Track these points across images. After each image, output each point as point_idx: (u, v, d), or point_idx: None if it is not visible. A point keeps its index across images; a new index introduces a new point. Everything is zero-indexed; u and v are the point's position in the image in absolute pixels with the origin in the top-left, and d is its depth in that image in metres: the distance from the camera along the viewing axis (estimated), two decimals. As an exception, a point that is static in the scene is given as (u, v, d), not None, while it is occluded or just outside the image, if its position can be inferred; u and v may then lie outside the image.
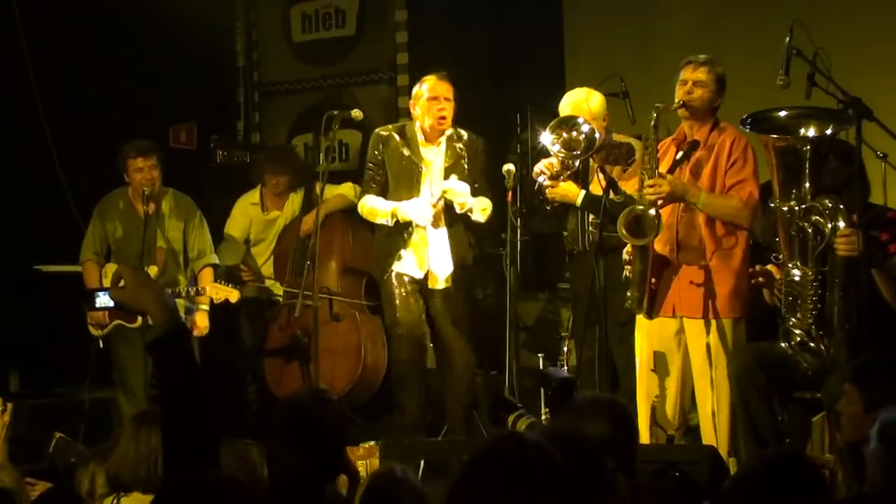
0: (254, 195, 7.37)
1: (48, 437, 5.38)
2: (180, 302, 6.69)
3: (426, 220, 6.21)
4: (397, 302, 6.30)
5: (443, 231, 6.26)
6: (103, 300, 2.99)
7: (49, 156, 7.45)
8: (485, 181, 6.37)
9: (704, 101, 5.41)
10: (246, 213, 7.34)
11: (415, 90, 6.33)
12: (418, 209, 6.21)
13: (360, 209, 6.44)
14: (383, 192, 6.35)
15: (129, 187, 6.83)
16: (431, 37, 8.34)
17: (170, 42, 8.21)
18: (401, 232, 6.27)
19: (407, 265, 6.28)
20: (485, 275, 7.03)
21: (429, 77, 6.29)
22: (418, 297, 6.31)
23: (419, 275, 6.28)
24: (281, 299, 7.17)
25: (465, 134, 6.34)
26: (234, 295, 6.63)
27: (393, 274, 6.30)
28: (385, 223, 6.29)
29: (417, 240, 6.26)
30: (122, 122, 7.50)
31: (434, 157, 6.29)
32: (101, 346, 6.76)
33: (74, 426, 6.42)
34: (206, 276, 6.80)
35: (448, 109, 6.22)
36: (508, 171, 6.04)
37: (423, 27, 8.41)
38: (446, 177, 6.22)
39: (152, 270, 6.63)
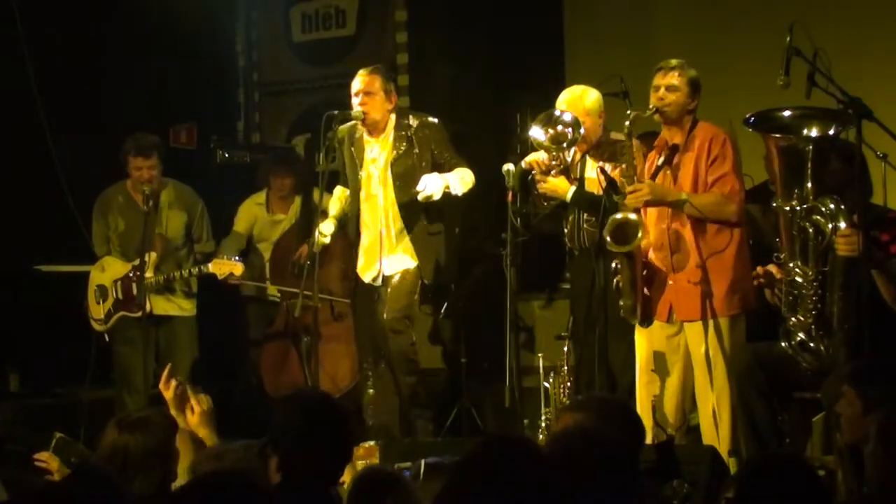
0: (260, 196, 7.51)
1: (48, 437, 5.37)
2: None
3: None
4: (357, 322, 6.33)
5: (367, 232, 6.24)
6: None
7: (49, 156, 7.43)
8: (454, 155, 6.25)
9: (678, 105, 5.41)
10: (250, 211, 7.46)
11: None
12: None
13: None
14: None
15: (127, 181, 6.85)
16: (431, 37, 8.33)
17: (170, 42, 8.21)
18: (357, 236, 6.29)
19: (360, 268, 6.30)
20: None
21: (359, 72, 6.26)
22: (379, 298, 6.25)
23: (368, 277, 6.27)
24: (278, 300, 7.19)
25: (414, 121, 6.23)
26: (238, 268, 6.64)
27: (357, 281, 6.31)
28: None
29: (363, 242, 6.28)
30: (123, 121, 7.49)
31: (378, 153, 6.24)
32: (107, 339, 6.78)
33: (74, 426, 6.41)
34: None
35: (370, 104, 6.15)
36: (508, 171, 6.02)
37: (423, 27, 8.41)
38: (395, 169, 6.17)
39: (151, 257, 6.64)
